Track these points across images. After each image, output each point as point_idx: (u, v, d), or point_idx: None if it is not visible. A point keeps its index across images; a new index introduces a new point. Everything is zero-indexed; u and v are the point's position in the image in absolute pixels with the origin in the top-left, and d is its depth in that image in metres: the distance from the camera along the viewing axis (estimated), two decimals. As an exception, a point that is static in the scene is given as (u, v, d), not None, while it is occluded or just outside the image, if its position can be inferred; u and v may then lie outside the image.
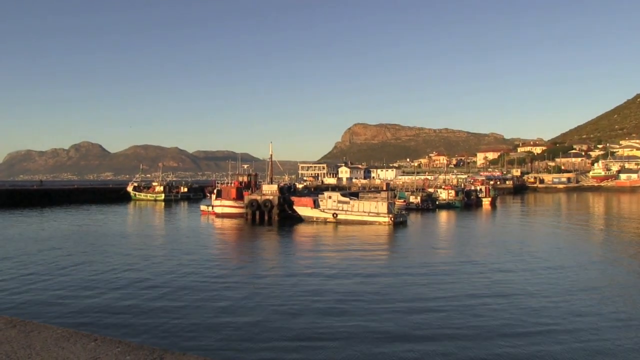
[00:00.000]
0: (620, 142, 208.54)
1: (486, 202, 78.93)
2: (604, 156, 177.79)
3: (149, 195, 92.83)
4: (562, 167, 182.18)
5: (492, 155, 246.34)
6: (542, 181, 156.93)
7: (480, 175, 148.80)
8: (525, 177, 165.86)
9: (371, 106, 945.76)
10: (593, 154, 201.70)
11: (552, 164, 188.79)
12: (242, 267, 24.35)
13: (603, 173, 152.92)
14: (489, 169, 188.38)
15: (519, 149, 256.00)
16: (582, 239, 37.10)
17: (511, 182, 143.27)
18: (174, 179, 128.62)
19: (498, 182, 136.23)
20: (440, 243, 34.59)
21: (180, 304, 17.13)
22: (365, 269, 23.28)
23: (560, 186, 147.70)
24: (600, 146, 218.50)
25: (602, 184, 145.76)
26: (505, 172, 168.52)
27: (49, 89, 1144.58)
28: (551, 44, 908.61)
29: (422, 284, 19.94)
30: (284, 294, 18.05)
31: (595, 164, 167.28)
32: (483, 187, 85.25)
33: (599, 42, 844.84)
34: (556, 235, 38.95)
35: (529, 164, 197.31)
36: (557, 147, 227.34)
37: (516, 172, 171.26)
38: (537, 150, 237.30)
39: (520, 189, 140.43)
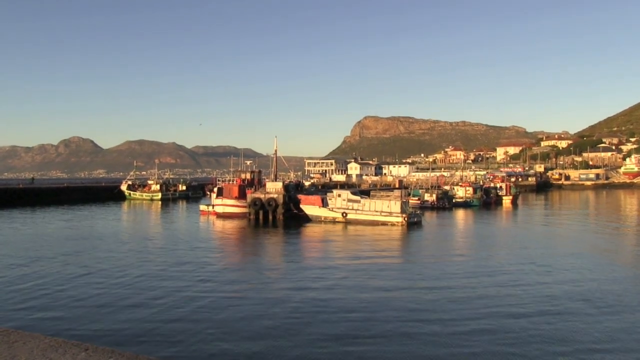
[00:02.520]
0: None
1: (507, 200, 78.50)
2: (637, 150, 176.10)
3: (144, 194, 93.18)
4: (590, 163, 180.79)
5: (513, 150, 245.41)
6: (567, 178, 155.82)
7: (501, 171, 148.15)
8: (549, 173, 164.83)
9: (382, 98, 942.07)
10: (625, 148, 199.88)
11: (578, 159, 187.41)
12: (246, 276, 23.91)
13: (636, 169, 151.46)
14: (510, 165, 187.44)
15: (543, 143, 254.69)
16: (615, 245, 36.17)
17: (534, 178, 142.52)
18: (172, 176, 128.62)
19: (520, 179, 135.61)
20: (459, 248, 33.92)
21: (176, 312, 17.05)
22: (381, 280, 22.16)
23: (588, 183, 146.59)
24: (633, 139, 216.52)
25: (635, 180, 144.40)
26: (527, 168, 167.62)
27: (36, 80, 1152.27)
28: (577, 26, 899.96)
29: (446, 300, 18.70)
30: (290, 310, 17.45)
31: (627, 159, 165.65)
32: (503, 185, 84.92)
33: (630, 23, 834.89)
34: (586, 240, 38.14)
35: (554, 159, 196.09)
36: (585, 141, 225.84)
37: (539, 168, 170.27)
38: (563, 144, 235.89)
39: (543, 187, 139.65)
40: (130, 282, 21.49)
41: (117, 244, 34.16)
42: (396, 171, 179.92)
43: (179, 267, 25.37)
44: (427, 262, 27.49)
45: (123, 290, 20.13)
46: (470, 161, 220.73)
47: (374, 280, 22.21)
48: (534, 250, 31.34)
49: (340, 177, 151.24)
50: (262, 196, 52.81)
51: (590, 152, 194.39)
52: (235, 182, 59.40)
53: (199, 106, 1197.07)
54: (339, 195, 50.14)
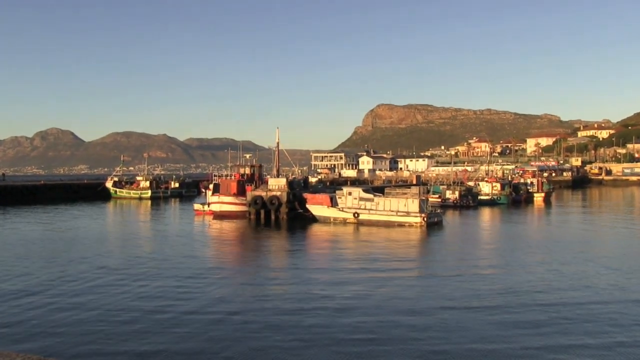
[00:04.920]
0: None
1: (538, 198, 78.39)
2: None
3: (132, 192, 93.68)
4: (636, 155, 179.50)
5: (545, 141, 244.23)
6: (609, 172, 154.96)
7: (531, 165, 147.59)
8: (587, 167, 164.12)
9: (398, 83, 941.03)
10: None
11: (622, 151, 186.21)
12: (243, 293, 23.04)
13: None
14: (542, 158, 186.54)
15: (580, 133, 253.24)
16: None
17: (570, 173, 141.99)
18: (162, 172, 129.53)
19: (553, 174, 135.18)
20: (489, 256, 32.74)
21: (161, 332, 16.93)
22: (401, 299, 20.87)
23: (634, 178, 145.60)
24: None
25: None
26: (562, 162, 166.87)
27: (7, 65, 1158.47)
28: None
29: (480, 323, 17.73)
30: (292, 337, 16.86)
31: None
32: (535, 180, 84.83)
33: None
34: (634, 245, 37.46)
35: (593, 152, 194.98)
36: (629, 130, 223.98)
37: (576, 161, 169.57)
38: (603, 134, 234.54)
39: (581, 182, 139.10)
40: (113, 298, 21.11)
41: (99, 251, 33.65)
42: (413, 165, 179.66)
43: (168, 279, 24.87)
44: (452, 275, 25.69)
45: (106, 306, 19.74)
46: (496, 154, 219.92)
47: (392, 299, 20.85)
48: (577, 259, 29.98)
49: (350, 173, 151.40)
50: (263, 194, 53.02)
51: (635, 143, 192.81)
52: (233, 177, 59.66)
53: (192, 94, 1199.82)
54: (350, 194, 50.23)
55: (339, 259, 31.81)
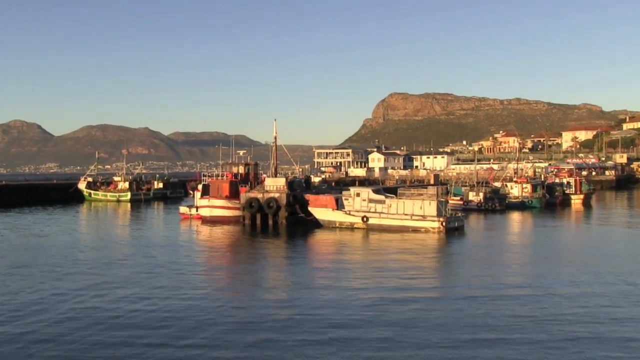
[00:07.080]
0: None
1: (577, 200, 78.32)
2: None
3: (109, 194, 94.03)
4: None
5: (584, 135, 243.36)
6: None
7: (568, 163, 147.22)
8: (634, 165, 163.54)
9: (413, 70, 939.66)
10: None
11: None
12: (237, 310, 22.58)
13: None
14: (580, 155, 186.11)
15: (625, 126, 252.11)
16: None
17: (613, 172, 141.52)
18: (144, 171, 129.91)
19: (593, 173, 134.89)
20: (518, 268, 31.95)
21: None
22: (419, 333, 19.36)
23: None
24: None
25: None
26: (603, 159, 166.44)
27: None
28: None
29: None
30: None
31: None
32: (572, 180, 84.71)
33: None
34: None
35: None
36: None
37: (620, 158, 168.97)
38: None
39: (626, 182, 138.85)
40: (84, 325, 20.21)
41: (66, 266, 32.54)
42: (431, 163, 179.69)
43: (149, 292, 24.73)
44: (480, 298, 24.19)
45: (73, 336, 18.90)
46: (527, 150, 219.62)
47: (409, 331, 19.55)
48: (628, 280, 27.63)
49: (359, 171, 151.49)
50: (259, 196, 53.19)
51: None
52: (225, 177, 59.86)
53: (178, 82, 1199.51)
54: (358, 195, 50.44)
55: (344, 271, 31.67)
